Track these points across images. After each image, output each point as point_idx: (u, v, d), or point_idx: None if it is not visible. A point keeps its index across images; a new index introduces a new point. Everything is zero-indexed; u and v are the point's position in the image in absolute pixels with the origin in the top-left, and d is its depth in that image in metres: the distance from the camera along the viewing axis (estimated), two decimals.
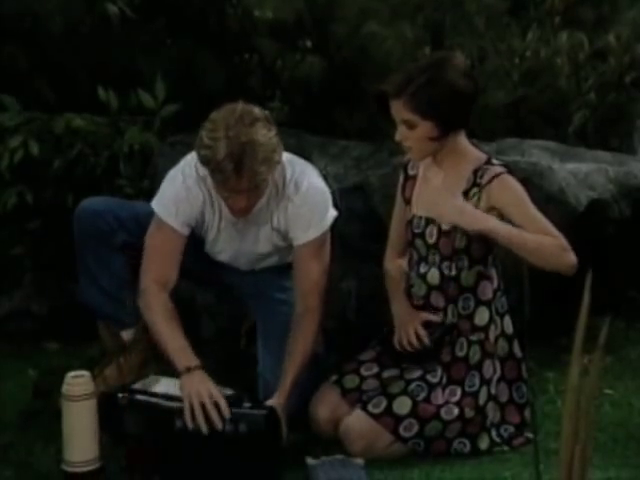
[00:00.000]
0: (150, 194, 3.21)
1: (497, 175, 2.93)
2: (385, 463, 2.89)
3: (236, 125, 2.78)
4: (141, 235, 3.04)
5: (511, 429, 3.04)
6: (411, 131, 2.93)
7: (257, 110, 2.85)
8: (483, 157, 3.00)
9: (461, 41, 4.61)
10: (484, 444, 2.99)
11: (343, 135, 4.21)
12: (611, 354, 3.57)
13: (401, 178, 3.16)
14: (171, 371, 2.92)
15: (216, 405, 2.77)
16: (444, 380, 2.99)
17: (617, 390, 3.36)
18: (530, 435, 3.03)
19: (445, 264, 3.00)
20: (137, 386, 2.90)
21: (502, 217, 2.91)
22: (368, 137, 4.20)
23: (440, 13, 4.68)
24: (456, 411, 2.95)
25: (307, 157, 3.24)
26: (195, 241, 3.10)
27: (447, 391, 2.98)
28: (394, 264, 3.17)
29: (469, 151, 3.02)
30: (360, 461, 2.85)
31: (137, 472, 2.83)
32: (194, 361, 2.87)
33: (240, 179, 2.80)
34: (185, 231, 3.02)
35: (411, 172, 3.13)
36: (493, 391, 3.01)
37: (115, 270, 3.17)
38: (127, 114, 4.04)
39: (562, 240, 2.85)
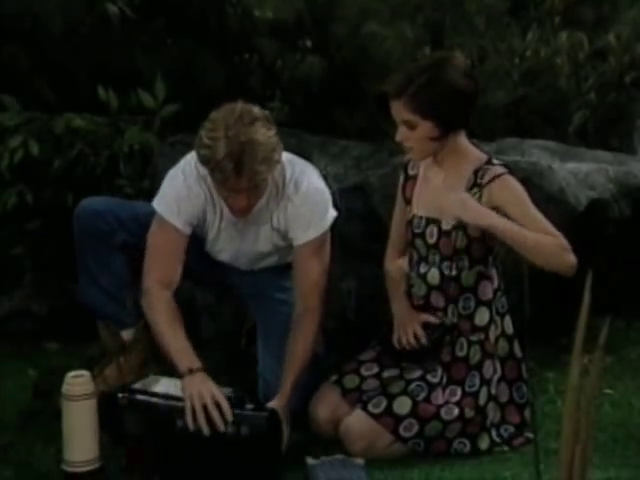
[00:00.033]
0: (150, 194, 3.21)
1: (498, 175, 2.93)
2: (385, 463, 2.89)
3: (236, 125, 2.78)
4: (141, 235, 3.04)
5: (511, 429, 3.04)
6: (412, 131, 2.93)
7: (256, 110, 2.85)
8: (484, 157, 3.00)
9: (461, 41, 4.61)
10: (484, 444, 2.99)
11: (343, 135, 4.21)
12: (611, 354, 3.57)
13: (401, 178, 3.16)
14: (171, 371, 2.92)
15: (218, 406, 2.77)
16: (444, 380, 2.99)
17: (617, 390, 3.36)
18: (530, 435, 3.03)
19: (445, 264, 3.00)
20: (137, 386, 2.90)
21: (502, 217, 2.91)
22: (368, 137, 4.20)
23: (440, 13, 4.68)
24: (456, 411, 2.95)
25: (307, 157, 3.24)
26: (195, 241, 3.10)
27: (447, 391, 2.98)
28: (394, 265, 3.17)
29: (470, 151, 3.02)
30: (360, 461, 2.85)
31: (137, 472, 2.83)
32: (196, 362, 2.87)
33: (240, 178, 2.80)
34: (187, 230, 3.02)
35: (411, 172, 3.13)
36: (493, 391, 3.01)
37: (115, 270, 3.17)
38: (127, 114, 4.04)
39: (562, 240, 2.85)
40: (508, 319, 3.07)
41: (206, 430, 2.75)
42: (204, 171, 2.90)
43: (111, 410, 2.84)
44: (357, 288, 3.58)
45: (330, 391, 3.06)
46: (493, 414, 3.01)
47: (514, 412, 3.05)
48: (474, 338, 3.01)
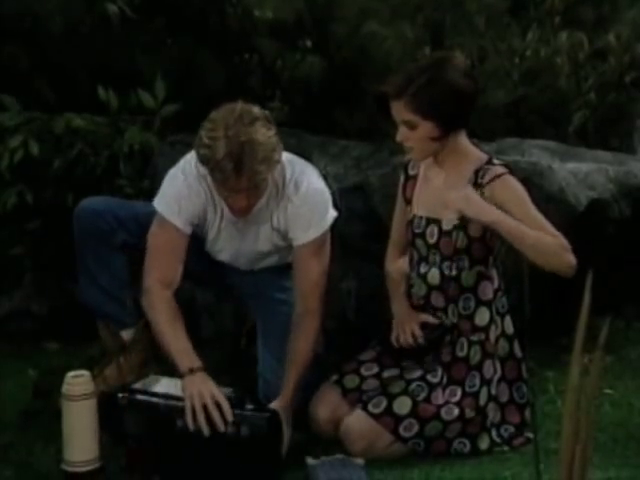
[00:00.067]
0: (150, 194, 3.21)
1: (498, 175, 2.93)
2: (385, 463, 2.89)
3: (235, 124, 2.78)
4: (141, 235, 3.04)
5: (511, 429, 3.04)
6: (412, 132, 2.93)
7: (256, 109, 2.85)
8: (484, 157, 3.00)
9: (461, 41, 4.61)
10: (484, 444, 2.99)
11: (343, 135, 4.21)
12: (611, 354, 3.57)
13: (402, 178, 3.16)
14: (171, 371, 2.92)
15: (218, 407, 2.77)
16: (444, 380, 2.99)
17: (617, 390, 3.36)
18: (530, 435, 3.03)
19: (445, 264, 3.00)
20: (137, 386, 2.90)
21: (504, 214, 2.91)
22: (368, 137, 4.20)
23: (440, 13, 4.68)
24: (456, 411, 2.95)
25: (307, 157, 3.24)
26: (196, 241, 3.10)
27: (447, 391, 2.98)
28: (395, 266, 3.17)
29: (470, 151, 3.02)
30: (360, 461, 2.85)
31: (137, 472, 2.83)
32: (197, 362, 2.87)
33: (239, 178, 2.80)
34: (188, 229, 3.02)
35: (412, 172, 3.13)
36: (493, 391, 3.01)
37: (115, 270, 3.17)
38: (127, 114, 4.04)
39: (563, 240, 2.85)
40: (508, 319, 3.07)
41: (206, 430, 2.75)
42: (204, 170, 2.90)
43: (111, 410, 2.84)
44: (357, 288, 3.58)
45: (330, 391, 3.06)
46: (493, 414, 3.01)
47: (514, 412, 3.05)
48: (474, 338, 3.01)
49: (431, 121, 2.90)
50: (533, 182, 3.43)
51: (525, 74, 4.65)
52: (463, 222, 2.96)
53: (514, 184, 2.95)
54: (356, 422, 2.95)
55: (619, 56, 4.67)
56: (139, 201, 3.59)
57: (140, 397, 2.86)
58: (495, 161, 2.99)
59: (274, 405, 2.90)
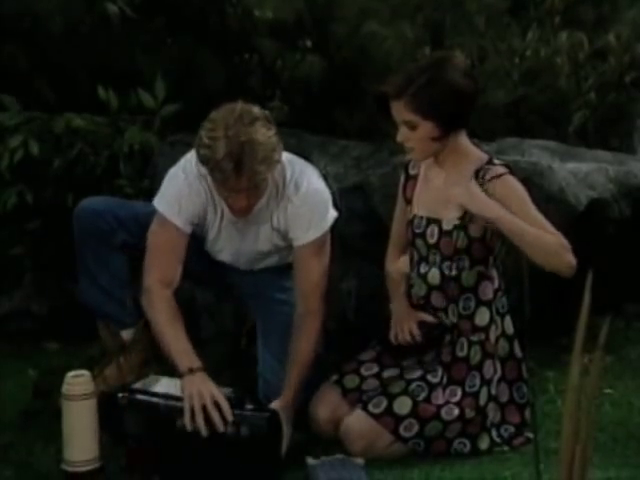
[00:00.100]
0: (150, 194, 3.21)
1: (499, 175, 2.93)
2: (385, 463, 2.89)
3: (235, 124, 2.78)
4: (141, 235, 3.04)
5: (511, 429, 3.04)
6: (412, 132, 2.93)
7: (256, 109, 2.85)
8: (485, 157, 3.00)
9: (461, 41, 4.61)
10: (484, 444, 2.99)
11: (343, 135, 4.21)
12: (611, 354, 3.57)
13: (402, 178, 3.16)
14: (171, 371, 2.92)
15: (218, 407, 2.77)
16: (444, 380, 2.99)
17: (617, 390, 3.36)
18: (530, 435, 3.02)
19: (446, 264, 3.00)
20: (137, 386, 2.90)
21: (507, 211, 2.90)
22: (368, 137, 4.20)
23: (440, 13, 4.68)
24: (456, 411, 2.95)
25: (307, 157, 3.24)
26: (196, 241, 3.10)
27: (447, 391, 2.98)
28: (395, 266, 3.17)
29: (470, 151, 3.02)
30: (360, 461, 2.85)
31: (137, 472, 2.83)
32: (196, 362, 2.86)
33: (239, 178, 2.80)
34: (188, 229, 3.02)
35: (412, 172, 3.13)
36: (493, 391, 3.01)
37: (115, 270, 3.17)
38: (127, 114, 4.04)
39: (563, 240, 2.85)
40: (508, 319, 3.07)
41: (204, 431, 2.75)
42: (205, 170, 2.90)
43: (111, 410, 2.84)
44: (357, 288, 3.58)
45: (330, 391, 3.06)
46: (493, 414, 3.01)
47: (514, 412, 3.05)
48: (474, 338, 3.01)
49: (431, 121, 2.90)
50: (533, 182, 3.43)
51: (525, 74, 4.65)
52: (463, 222, 2.96)
53: (515, 184, 2.95)
54: (356, 422, 2.95)
55: (619, 56, 4.67)
56: (139, 201, 3.59)
57: (140, 397, 2.85)
58: (495, 161, 2.99)
59: (275, 405, 2.90)
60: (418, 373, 3.02)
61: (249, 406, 2.82)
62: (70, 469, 2.78)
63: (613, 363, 3.55)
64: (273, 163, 2.86)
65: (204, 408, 2.77)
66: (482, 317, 3.02)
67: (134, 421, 2.83)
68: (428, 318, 3.06)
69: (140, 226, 3.06)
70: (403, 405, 2.95)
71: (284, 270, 3.17)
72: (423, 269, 3.05)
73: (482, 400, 2.98)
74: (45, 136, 3.97)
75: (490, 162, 2.98)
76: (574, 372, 1.56)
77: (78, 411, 2.77)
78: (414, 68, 2.98)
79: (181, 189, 3.00)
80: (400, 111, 2.92)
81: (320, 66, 4.50)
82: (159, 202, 3.03)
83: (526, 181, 3.10)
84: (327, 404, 3.03)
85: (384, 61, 4.41)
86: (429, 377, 3.00)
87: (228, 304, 3.61)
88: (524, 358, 3.07)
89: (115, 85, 4.02)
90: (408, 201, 3.12)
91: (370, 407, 2.96)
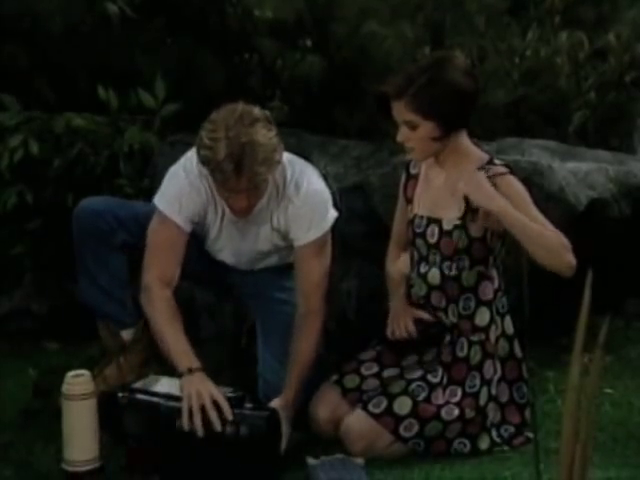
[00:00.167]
0: (150, 193, 3.21)
1: (499, 175, 2.93)
2: (385, 463, 2.89)
3: (236, 125, 2.78)
4: (141, 235, 3.04)
5: (511, 429, 3.04)
6: (413, 132, 2.93)
7: (257, 110, 2.85)
8: (485, 157, 3.00)
9: (461, 41, 4.61)
10: (484, 444, 2.99)
11: (343, 134, 4.21)
12: (611, 353, 3.57)
13: (403, 177, 3.16)
14: (171, 371, 2.92)
15: (217, 406, 2.77)
16: (445, 380, 2.99)
17: (617, 389, 3.36)
18: (530, 435, 3.02)
19: (446, 264, 3.00)
20: (137, 385, 2.90)
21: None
22: (368, 136, 4.20)
23: (440, 13, 4.68)
24: (456, 411, 2.95)
25: (307, 157, 3.24)
26: (196, 240, 3.10)
27: (447, 391, 2.98)
28: (395, 267, 3.17)
29: (471, 151, 3.02)
30: (360, 461, 2.85)
31: (137, 472, 2.83)
32: (195, 362, 2.86)
33: (240, 179, 2.80)
34: (188, 228, 3.02)
35: (413, 171, 3.13)
36: (493, 391, 3.01)
37: (114, 270, 3.16)
38: (127, 113, 4.04)
39: (564, 239, 2.85)
40: (508, 319, 3.07)
41: (201, 431, 2.75)
42: (205, 170, 2.90)
43: (111, 410, 2.84)
44: (357, 288, 3.58)
45: (330, 391, 3.06)
46: (493, 414, 3.01)
47: (514, 412, 3.05)
48: (475, 338, 3.01)
49: (432, 121, 2.90)
50: (533, 182, 3.43)
51: (525, 74, 4.65)
52: (464, 222, 2.96)
53: (515, 183, 2.95)
54: (356, 422, 2.95)
55: (619, 56, 4.67)
56: (139, 201, 3.60)
57: (140, 397, 2.85)
58: (496, 161, 2.99)
59: (274, 404, 2.89)
60: (418, 373, 3.02)
61: (248, 405, 2.82)
62: (70, 469, 2.79)
63: (613, 363, 3.55)
64: (274, 164, 2.86)
65: (202, 408, 2.76)
66: (482, 317, 3.02)
67: (134, 421, 2.83)
68: (425, 316, 3.06)
69: (140, 226, 3.06)
70: (403, 405, 2.95)
71: (284, 270, 3.17)
72: (423, 269, 3.05)
73: (482, 400, 2.98)
74: (45, 136, 3.97)
75: (491, 162, 2.98)
76: (574, 372, 1.56)
77: (78, 411, 2.77)
78: (414, 68, 2.98)
79: (182, 187, 3.00)
80: (401, 111, 2.92)
81: (320, 66, 4.50)
82: (159, 200, 3.02)
83: (526, 181, 3.10)
84: (327, 404, 3.03)
85: (384, 61, 4.42)
86: (429, 377, 3.00)
87: (228, 304, 3.61)
88: (524, 358, 3.07)
89: (115, 85, 4.02)
90: (409, 201, 3.12)
91: (370, 407, 2.96)
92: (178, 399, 2.80)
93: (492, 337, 3.02)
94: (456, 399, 2.96)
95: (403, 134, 2.95)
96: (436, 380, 2.99)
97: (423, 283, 3.05)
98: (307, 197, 3.00)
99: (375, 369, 3.08)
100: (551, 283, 2.93)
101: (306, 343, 2.99)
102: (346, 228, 3.41)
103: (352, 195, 3.60)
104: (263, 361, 3.13)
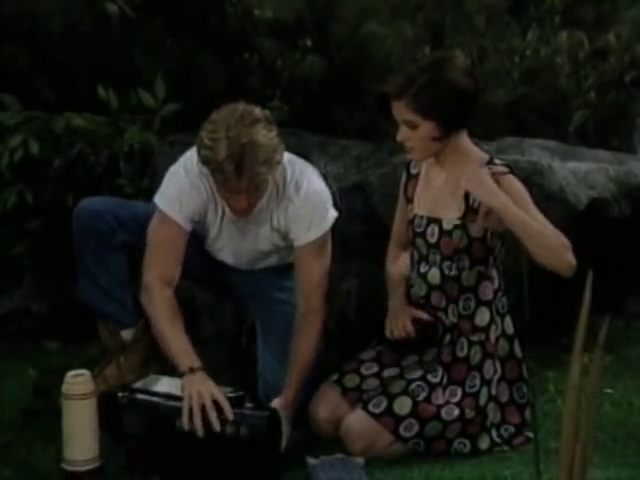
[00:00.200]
0: (150, 193, 3.21)
1: (501, 174, 2.93)
2: (385, 462, 2.89)
3: (236, 126, 2.78)
4: (141, 235, 3.04)
5: (511, 429, 3.04)
6: (413, 131, 2.93)
7: (258, 111, 2.85)
8: (485, 157, 3.00)
9: (461, 40, 4.61)
10: (484, 444, 2.99)
11: (343, 134, 4.21)
12: (611, 353, 3.57)
13: (403, 177, 3.16)
14: (171, 370, 2.92)
15: (217, 406, 2.77)
16: (445, 380, 2.99)
17: (617, 389, 3.36)
18: (530, 434, 3.02)
19: (446, 264, 3.00)
20: (137, 385, 2.90)
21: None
22: (368, 136, 4.20)
23: (440, 12, 4.68)
24: (456, 411, 2.95)
25: (307, 156, 3.24)
26: (196, 240, 3.10)
27: (447, 391, 2.98)
28: (395, 267, 3.17)
29: (471, 151, 3.02)
30: (360, 460, 2.85)
31: (137, 472, 2.83)
32: (197, 362, 2.86)
33: (240, 179, 2.80)
34: (188, 227, 3.02)
35: (413, 171, 3.13)
36: (494, 391, 3.01)
37: (114, 270, 3.16)
38: (127, 113, 4.04)
39: (564, 239, 2.85)
40: (508, 319, 3.07)
41: (201, 431, 2.75)
42: (206, 169, 2.90)
43: (111, 410, 2.84)
44: (358, 288, 3.58)
45: (330, 391, 3.06)
46: (493, 414, 3.01)
47: (514, 412, 3.05)
48: (475, 338, 3.01)
49: (432, 121, 2.90)
50: (533, 181, 3.43)
51: (525, 73, 4.65)
52: (464, 222, 2.96)
53: (516, 184, 2.95)
54: (356, 422, 2.95)
55: (619, 55, 4.67)
56: (139, 201, 3.59)
57: (140, 396, 2.85)
58: (496, 161, 2.99)
59: (274, 404, 2.89)
60: (418, 373, 3.02)
61: (249, 405, 2.82)
62: (70, 468, 2.78)
63: (613, 363, 3.55)
64: (274, 164, 2.86)
65: (203, 408, 2.76)
66: (482, 317, 3.01)
67: (134, 421, 2.83)
68: (423, 315, 3.06)
69: (140, 226, 3.06)
70: (403, 405, 2.95)
71: (284, 270, 3.17)
72: (423, 268, 3.05)
73: (482, 400, 2.98)
74: (45, 136, 3.97)
75: (491, 162, 2.98)
76: (574, 372, 1.56)
77: (78, 411, 2.77)
78: (415, 68, 2.98)
79: (182, 186, 3.00)
80: (401, 111, 2.92)
81: (320, 66, 4.50)
82: (160, 199, 3.02)
83: (526, 180, 3.10)
84: (327, 404, 3.03)
85: (384, 61, 4.42)
86: (429, 377, 3.00)
87: (228, 304, 3.61)
88: (524, 358, 3.07)
89: (115, 85, 4.02)
90: (409, 200, 3.12)
91: (370, 407, 2.96)
92: (178, 399, 2.80)
93: (492, 337, 3.02)
94: (456, 399, 2.96)
95: (403, 133, 2.95)
96: (436, 380, 2.99)
97: (423, 283, 3.05)
98: (307, 197, 3.00)
99: (375, 369, 3.08)
100: (551, 283, 2.93)
101: (306, 343, 3.00)
102: (346, 228, 3.40)
103: (352, 195, 3.60)
104: (263, 361, 3.13)
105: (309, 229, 3.01)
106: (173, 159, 3.13)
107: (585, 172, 3.70)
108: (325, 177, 3.19)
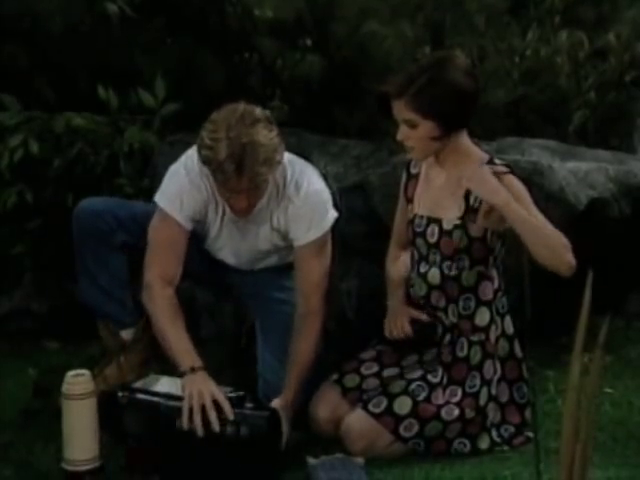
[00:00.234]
0: (150, 193, 3.21)
1: (501, 174, 2.93)
2: (385, 462, 2.89)
3: (237, 126, 2.78)
4: (141, 235, 3.04)
5: (511, 429, 3.04)
6: (413, 131, 2.93)
7: (258, 110, 2.85)
8: (485, 157, 3.00)
9: (461, 40, 4.61)
10: (484, 444, 2.99)
11: (343, 134, 4.21)
12: (611, 353, 3.57)
13: (404, 177, 3.16)
14: (172, 370, 2.92)
15: (218, 407, 2.77)
16: (445, 380, 2.99)
17: (617, 389, 3.36)
18: (530, 434, 3.02)
19: (446, 264, 3.00)
20: (137, 385, 2.90)
21: (502, 217, 2.90)
22: (368, 136, 4.20)
23: (440, 12, 4.68)
24: (456, 411, 2.95)
25: (307, 156, 3.24)
26: (196, 240, 3.10)
27: (448, 391, 2.98)
28: (395, 267, 3.17)
29: (471, 151, 3.02)
30: (360, 460, 2.85)
31: (137, 472, 2.83)
32: (198, 361, 2.86)
33: (240, 179, 2.80)
34: (189, 226, 3.02)
35: (413, 171, 3.13)
36: (494, 391, 3.01)
37: (114, 270, 3.16)
38: (127, 113, 4.04)
39: (564, 239, 2.85)
40: (508, 319, 3.07)
41: (200, 431, 2.75)
42: (206, 169, 2.90)
43: (111, 409, 2.84)
44: (358, 288, 3.58)
45: (330, 390, 3.06)
46: (493, 414, 3.01)
47: (514, 412, 3.05)
48: (475, 338, 3.01)
49: (432, 120, 2.90)
50: (533, 181, 3.42)
51: (525, 73, 4.65)
52: (464, 222, 2.96)
53: (516, 184, 2.95)
54: (356, 421, 2.95)
55: (619, 55, 4.67)
56: (139, 201, 3.60)
57: (140, 396, 2.85)
58: (496, 161, 2.99)
59: (274, 404, 2.89)
60: (418, 373, 3.02)
61: (249, 405, 2.82)
62: (70, 468, 2.79)
63: (613, 363, 3.55)
64: (274, 164, 2.86)
65: (203, 408, 2.76)
66: (482, 317, 3.01)
67: (134, 421, 2.83)
68: (421, 316, 3.06)
69: (140, 226, 3.06)
70: (403, 405, 2.94)
71: (284, 270, 3.17)
72: (423, 268, 3.05)
73: (482, 400, 2.98)
74: (45, 135, 3.97)
75: (491, 162, 2.98)
76: (574, 372, 1.56)
77: (78, 410, 2.77)
78: (415, 67, 2.98)
79: (182, 185, 3.00)
80: (401, 110, 2.92)
81: (320, 65, 4.50)
82: (160, 198, 3.02)
83: (526, 180, 3.10)
84: (327, 403, 3.03)
85: (384, 61, 4.42)
86: (429, 377, 3.00)
87: (228, 304, 3.61)
88: (524, 358, 3.07)
89: (115, 85, 4.02)
90: (409, 200, 3.12)
91: (370, 407, 2.96)
92: (178, 399, 2.80)
93: (492, 337, 3.02)
94: (456, 399, 2.96)
95: (403, 133, 2.96)
96: (436, 380, 2.99)
97: (423, 283, 3.05)
98: (307, 197, 3.00)
99: (375, 369, 3.08)
100: (551, 283, 2.93)
101: (306, 343, 2.99)
102: (346, 228, 3.40)
103: (352, 195, 3.60)
104: (263, 361, 3.13)
105: (309, 229, 3.01)
106: (173, 159, 3.13)
107: (585, 172, 3.69)
108: (325, 177, 3.19)
